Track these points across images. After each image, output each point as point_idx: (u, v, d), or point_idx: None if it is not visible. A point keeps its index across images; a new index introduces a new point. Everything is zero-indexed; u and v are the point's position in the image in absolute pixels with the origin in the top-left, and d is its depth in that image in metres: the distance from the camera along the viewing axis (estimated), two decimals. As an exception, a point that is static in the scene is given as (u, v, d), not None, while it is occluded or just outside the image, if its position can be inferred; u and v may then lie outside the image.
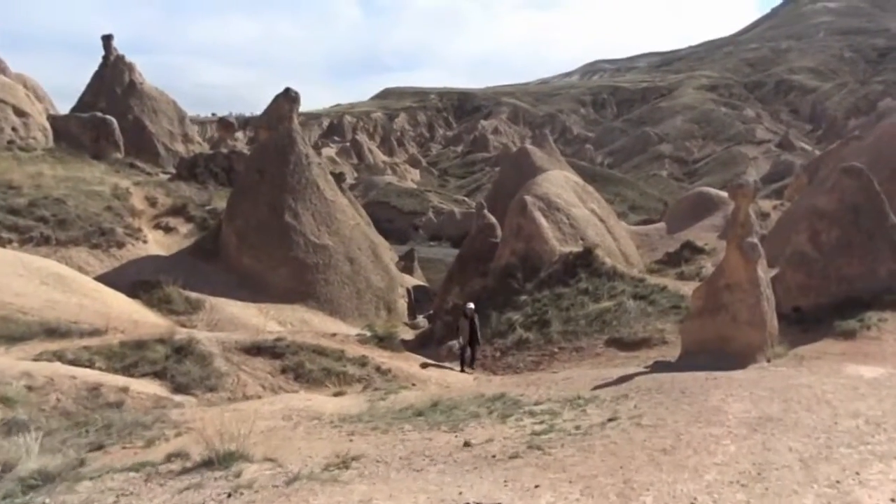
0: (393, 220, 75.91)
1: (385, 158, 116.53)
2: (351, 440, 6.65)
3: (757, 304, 12.55)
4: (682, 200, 36.83)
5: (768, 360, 12.61)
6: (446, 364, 17.18)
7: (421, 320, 28.10)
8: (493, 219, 28.48)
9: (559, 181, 23.92)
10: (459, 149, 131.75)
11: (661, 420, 7.00)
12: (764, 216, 31.66)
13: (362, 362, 14.49)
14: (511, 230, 23.64)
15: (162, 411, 8.21)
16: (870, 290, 15.61)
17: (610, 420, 7.06)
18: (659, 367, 13.80)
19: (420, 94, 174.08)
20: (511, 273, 22.22)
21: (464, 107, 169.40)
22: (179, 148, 38.83)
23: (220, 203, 25.55)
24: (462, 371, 16.40)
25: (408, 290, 30.90)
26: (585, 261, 21.35)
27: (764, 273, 13.05)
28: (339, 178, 48.38)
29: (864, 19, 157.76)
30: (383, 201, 79.81)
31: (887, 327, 14.72)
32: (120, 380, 10.40)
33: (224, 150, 32.22)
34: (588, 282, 20.50)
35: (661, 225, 32.57)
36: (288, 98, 24.48)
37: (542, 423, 7.16)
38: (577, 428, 6.74)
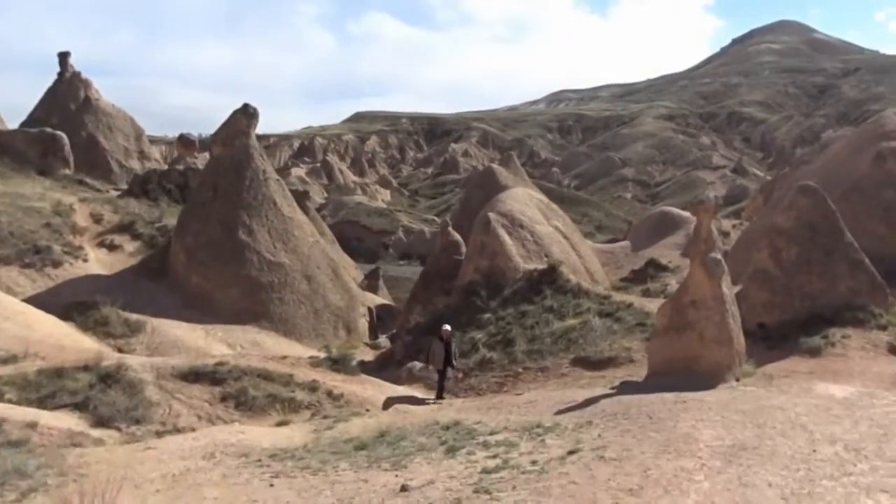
0: (363, 239, 75.15)
1: (356, 179, 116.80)
2: (272, 485, 5.76)
3: (723, 321, 12.11)
4: (646, 219, 36.96)
5: (737, 380, 12.15)
6: (419, 396, 15.83)
7: (383, 340, 27.10)
8: (457, 236, 27.86)
9: (523, 198, 23.48)
10: (430, 170, 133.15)
11: (626, 451, 6.33)
12: (724, 234, 31.84)
13: (312, 387, 13.53)
14: (475, 247, 23.01)
15: (56, 453, 7.14)
16: (831, 307, 15.41)
17: (570, 453, 6.35)
18: (625, 388, 13.21)
19: (391, 118, 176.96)
20: (474, 291, 21.51)
21: (434, 131, 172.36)
22: (135, 165, 37.33)
23: (172, 220, 24.33)
24: (439, 399, 14.74)
25: (369, 309, 29.90)
26: (550, 278, 20.80)
27: (728, 289, 12.65)
28: (302, 195, 47.28)
29: (804, 60, 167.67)
30: (353, 220, 79.17)
31: (851, 344, 14.48)
32: (30, 413, 9.24)
33: (179, 167, 30.91)
34: (553, 299, 19.93)
35: (626, 243, 32.48)
36: (246, 113, 23.57)
37: (495, 456, 6.41)
38: (534, 463, 6.01)
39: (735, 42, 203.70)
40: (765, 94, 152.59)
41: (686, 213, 33.01)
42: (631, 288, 25.91)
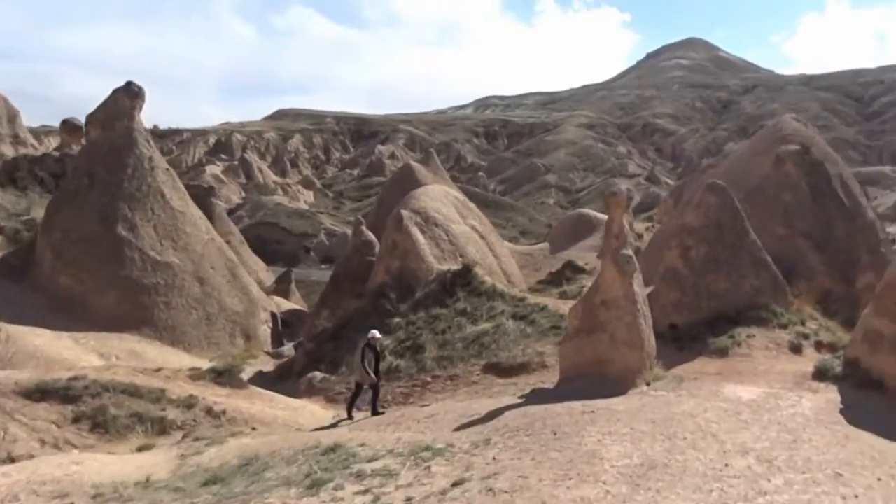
0: (283, 242, 72.05)
1: (276, 179, 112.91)
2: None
3: (634, 321, 11.60)
4: (564, 221, 37.17)
5: (648, 384, 11.66)
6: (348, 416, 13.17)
7: (287, 349, 25.32)
8: (371, 236, 26.55)
9: (438, 195, 22.57)
10: (356, 172, 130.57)
11: (521, 480, 5.41)
12: (638, 236, 32.41)
13: (189, 404, 11.87)
14: (386, 247, 21.85)
15: None
16: (736, 306, 15.46)
17: (455, 485, 5.35)
18: (535, 396, 12.47)
19: (316, 117, 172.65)
20: (384, 294, 20.35)
21: (361, 132, 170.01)
22: (7, 150, 33.28)
23: (41, 212, 21.51)
24: (350, 417, 12.71)
25: (273, 315, 28.00)
26: (464, 279, 19.96)
27: (640, 289, 12.19)
28: (207, 191, 44.19)
29: (710, 76, 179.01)
30: (272, 222, 75.90)
31: (755, 343, 14.49)
32: None
33: (56, 153, 27.63)
34: (466, 302, 19.08)
35: (545, 245, 32.37)
36: (129, 93, 21.18)
37: (366, 492, 5.31)
38: (408, 501, 4.97)
39: (649, 56, 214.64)
40: (675, 107, 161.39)
41: (602, 215, 33.36)
42: (548, 290, 25.60)
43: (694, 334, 15.19)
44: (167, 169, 21.70)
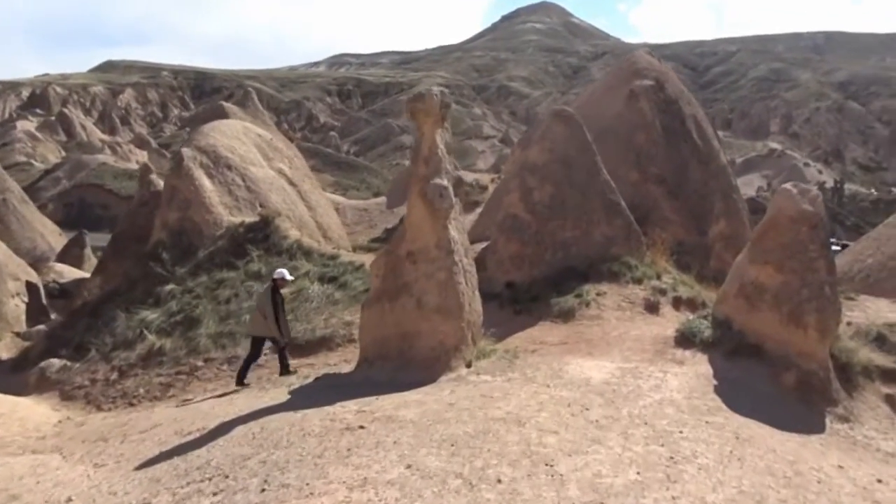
0: (109, 206, 62.03)
1: (104, 137, 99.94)
2: None
3: (449, 279, 8.09)
4: (404, 172, 33.47)
5: (469, 365, 8.30)
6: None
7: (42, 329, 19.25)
8: (161, 185, 20.93)
9: (234, 131, 17.64)
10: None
11: None
12: (482, 188, 29.65)
13: None
14: (165, 196, 16.65)
15: None
16: (586, 258, 12.75)
17: None
18: (318, 387, 8.72)
19: (151, 70, 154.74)
20: (156, 254, 15.32)
21: (202, 87, 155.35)
22: None
23: None
24: (285, 373, 10.12)
25: (31, 286, 21.56)
26: (262, 234, 15.49)
27: (460, 235, 8.69)
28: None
29: (562, 41, 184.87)
30: (96, 184, 65.30)
31: (607, 302, 11.83)
32: None
33: None
34: (262, 262, 14.68)
35: (382, 200, 28.49)
36: None
37: None
38: None
39: (504, 19, 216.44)
40: (529, 70, 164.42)
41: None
42: (382, 250, 21.88)
43: (535, 293, 12.24)
44: None
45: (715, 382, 7.97)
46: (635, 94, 17.93)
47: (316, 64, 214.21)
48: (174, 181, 16.25)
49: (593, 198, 13.20)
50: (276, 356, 10.62)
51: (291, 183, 17.80)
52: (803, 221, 8.31)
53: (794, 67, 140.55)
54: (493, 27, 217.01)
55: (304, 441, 4.94)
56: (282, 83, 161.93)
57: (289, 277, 10.76)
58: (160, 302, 14.31)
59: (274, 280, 10.44)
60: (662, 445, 5.25)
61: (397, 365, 8.37)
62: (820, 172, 73.42)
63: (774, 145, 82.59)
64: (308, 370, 10.71)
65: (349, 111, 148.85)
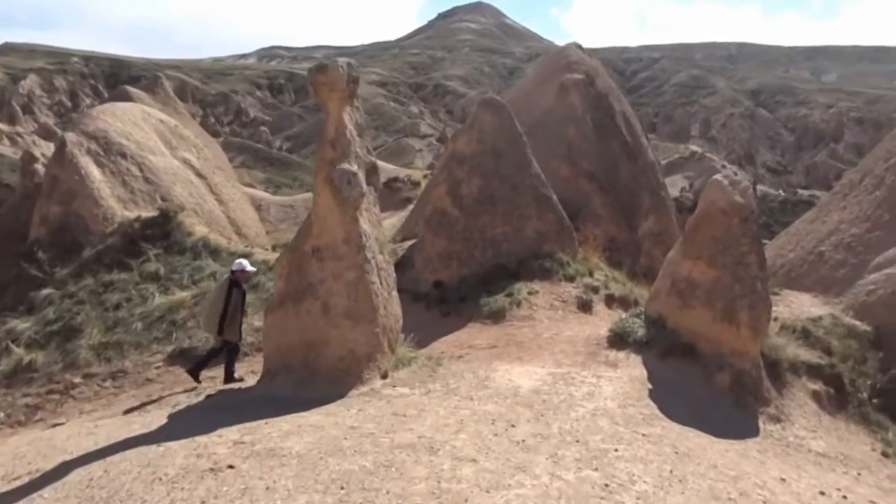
0: (3, 201, 56.19)
1: (2, 126, 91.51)
2: None
3: (360, 280, 7.08)
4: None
5: (384, 376, 7.32)
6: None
7: None
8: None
9: (130, 116, 15.82)
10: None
11: None
12: (414, 185, 28.71)
13: None
14: (46, 188, 14.71)
15: None
16: (516, 255, 12.06)
17: None
18: (211, 406, 7.50)
19: (58, 56, 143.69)
20: (31, 255, 13.44)
21: (118, 76, 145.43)
22: None
23: None
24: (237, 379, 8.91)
25: None
26: (162, 230, 13.90)
27: (374, 229, 7.70)
28: None
29: (497, 42, 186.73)
30: None
31: (539, 301, 11.16)
32: None
33: None
34: (161, 261, 13.14)
35: (309, 195, 26.93)
36: None
37: None
38: None
39: (440, 17, 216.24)
40: (465, 69, 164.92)
41: (381, 164, 29.04)
42: (286, 245, 20.48)
43: (464, 293, 11.44)
44: None
45: (650, 386, 7.37)
46: (566, 87, 17.49)
47: (244, 56, 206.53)
48: (55, 170, 14.38)
49: (524, 191, 12.53)
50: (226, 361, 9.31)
51: (200, 175, 16.20)
52: (734, 214, 7.86)
53: (711, 75, 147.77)
54: (429, 25, 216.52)
55: (150, 490, 3.83)
56: (207, 74, 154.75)
57: (249, 269, 9.23)
58: (34, 309, 12.52)
59: (233, 272, 8.93)
60: (596, 469, 4.48)
61: (302, 378, 7.29)
62: (735, 174, 77.08)
63: (695, 148, 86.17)
64: (209, 384, 9.44)
65: (281, 106, 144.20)
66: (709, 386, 7.56)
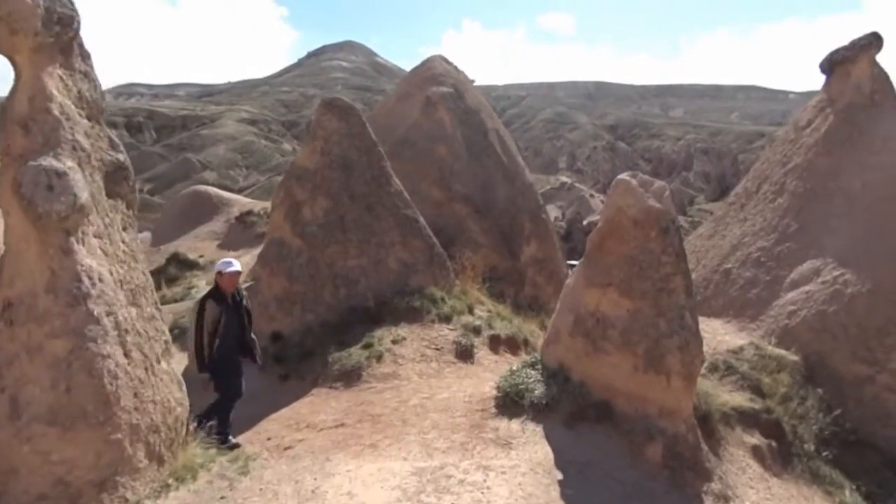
0: None
1: None
2: None
3: (80, 353, 4.12)
4: (174, 202, 27.82)
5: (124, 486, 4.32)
6: None
7: None
8: None
9: None
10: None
11: None
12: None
13: None
14: None
15: None
16: (377, 294, 9.48)
17: None
18: None
19: None
20: None
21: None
22: None
23: None
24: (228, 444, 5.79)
25: None
26: None
27: (116, 265, 4.80)
28: None
29: (368, 80, 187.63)
30: None
31: (406, 352, 8.65)
32: None
33: None
34: None
35: (145, 235, 22.80)
36: None
37: None
38: None
39: (310, 55, 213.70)
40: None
41: (227, 194, 25.45)
42: None
43: (309, 348, 8.67)
44: None
45: (559, 476, 5.06)
46: (432, 101, 15.54)
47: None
48: None
49: (383, 214, 10.08)
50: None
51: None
52: (651, 224, 5.92)
53: (573, 111, 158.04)
54: (299, 63, 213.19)
55: None
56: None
57: (234, 268, 6.25)
58: None
59: (224, 279, 6.15)
60: None
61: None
62: (602, 203, 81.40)
63: (565, 179, 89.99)
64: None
65: (141, 146, 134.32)
66: (636, 463, 5.40)
